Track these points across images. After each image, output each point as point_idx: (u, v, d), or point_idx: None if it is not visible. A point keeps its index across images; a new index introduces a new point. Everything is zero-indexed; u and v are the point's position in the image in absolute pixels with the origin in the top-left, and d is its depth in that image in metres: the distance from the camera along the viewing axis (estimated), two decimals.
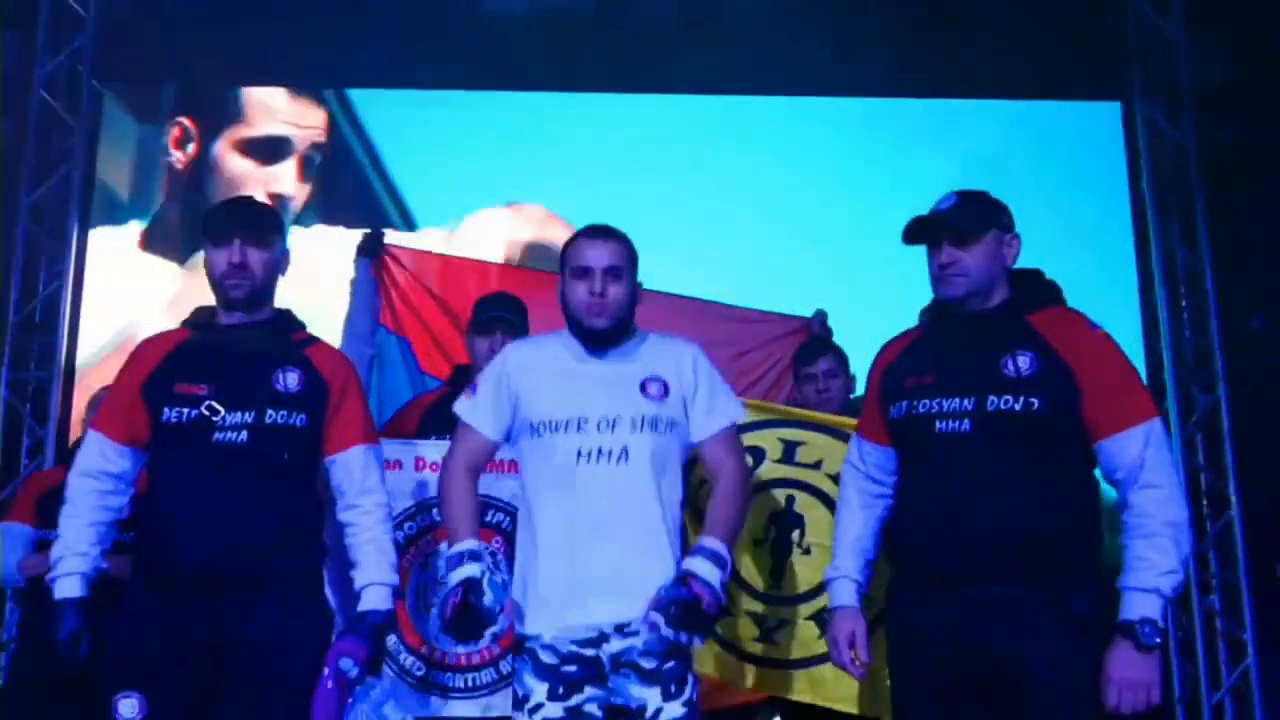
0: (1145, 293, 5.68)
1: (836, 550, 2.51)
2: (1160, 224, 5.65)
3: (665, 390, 2.41)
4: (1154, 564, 2.18)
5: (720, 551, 2.31)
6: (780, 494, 3.05)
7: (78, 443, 3.82)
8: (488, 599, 2.24)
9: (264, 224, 2.51)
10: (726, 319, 4.28)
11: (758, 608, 3.03)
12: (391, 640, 2.73)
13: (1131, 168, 5.78)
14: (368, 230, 3.92)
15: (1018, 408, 2.24)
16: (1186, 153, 5.63)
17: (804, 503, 3.03)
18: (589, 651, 2.30)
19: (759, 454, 3.06)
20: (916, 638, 2.31)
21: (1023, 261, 4.77)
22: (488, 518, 2.89)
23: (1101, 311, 5.67)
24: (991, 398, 2.27)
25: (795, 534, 3.05)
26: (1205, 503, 5.44)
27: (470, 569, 2.27)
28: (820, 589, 2.77)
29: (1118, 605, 2.20)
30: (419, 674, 2.83)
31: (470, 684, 2.85)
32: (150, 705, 2.31)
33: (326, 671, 2.35)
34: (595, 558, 2.30)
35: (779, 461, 3.05)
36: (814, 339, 3.78)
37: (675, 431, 2.41)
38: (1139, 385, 2.31)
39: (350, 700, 2.39)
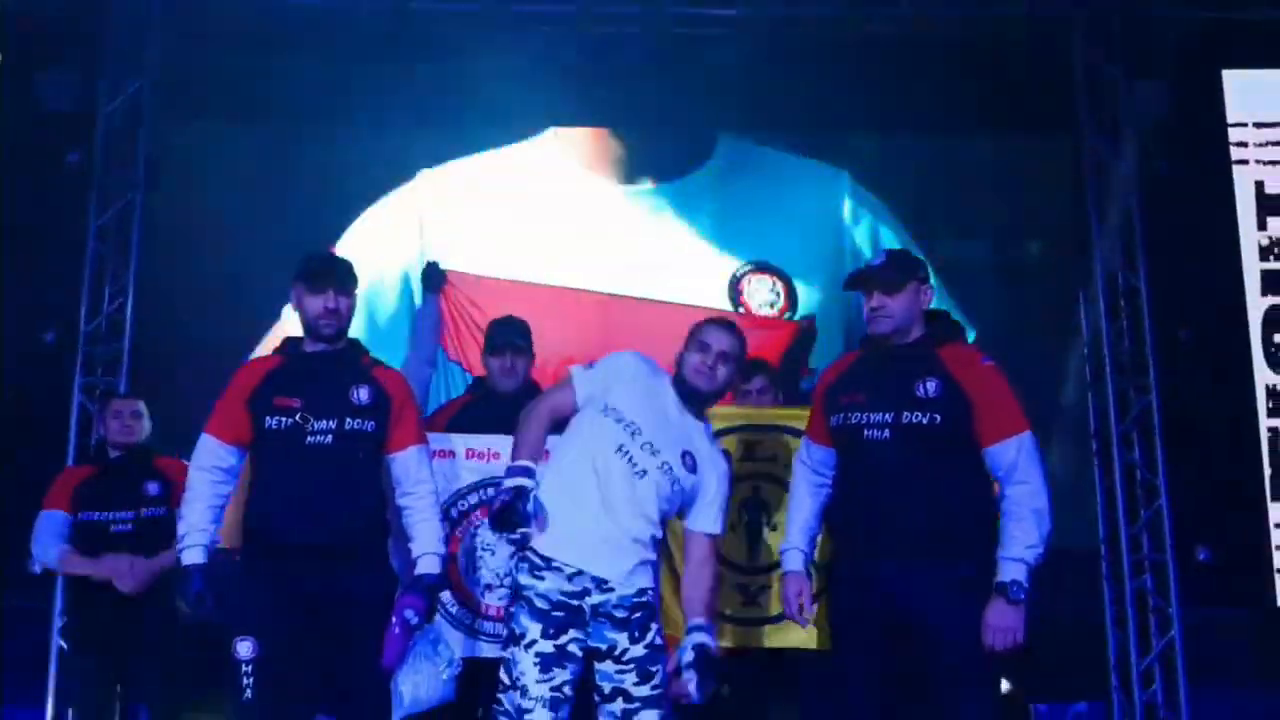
0: (1089, 306, 6.34)
1: (788, 528, 3.20)
2: (1103, 245, 6.32)
3: (694, 469, 3.02)
4: (1021, 540, 2.87)
5: (712, 626, 2.99)
6: (748, 485, 3.66)
7: (100, 441, 4.47)
8: (530, 505, 2.89)
9: (351, 278, 3.19)
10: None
11: (741, 579, 3.62)
12: (445, 595, 3.35)
13: (1077, 194, 6.42)
14: (429, 263, 4.53)
15: (925, 421, 2.93)
16: (1127, 182, 6.29)
17: (767, 490, 3.66)
18: (574, 602, 2.90)
19: (726, 455, 3.69)
20: (850, 594, 3.02)
21: (988, 275, 5.57)
22: None
23: (1050, 323, 6.40)
24: (906, 413, 2.95)
25: (763, 515, 3.68)
26: (1139, 493, 6.11)
27: (523, 480, 2.91)
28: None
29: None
30: (467, 622, 3.46)
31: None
32: (261, 645, 3.00)
33: (394, 620, 3.03)
34: (598, 527, 2.92)
35: (742, 459, 3.67)
36: (794, 358, 4.35)
37: (678, 497, 3.01)
38: (1016, 406, 2.99)
39: (412, 642, 3.08)
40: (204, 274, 6.23)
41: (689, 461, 3.02)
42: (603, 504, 2.93)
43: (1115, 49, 6.36)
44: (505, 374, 3.83)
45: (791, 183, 6.26)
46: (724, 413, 3.73)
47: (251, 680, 2.98)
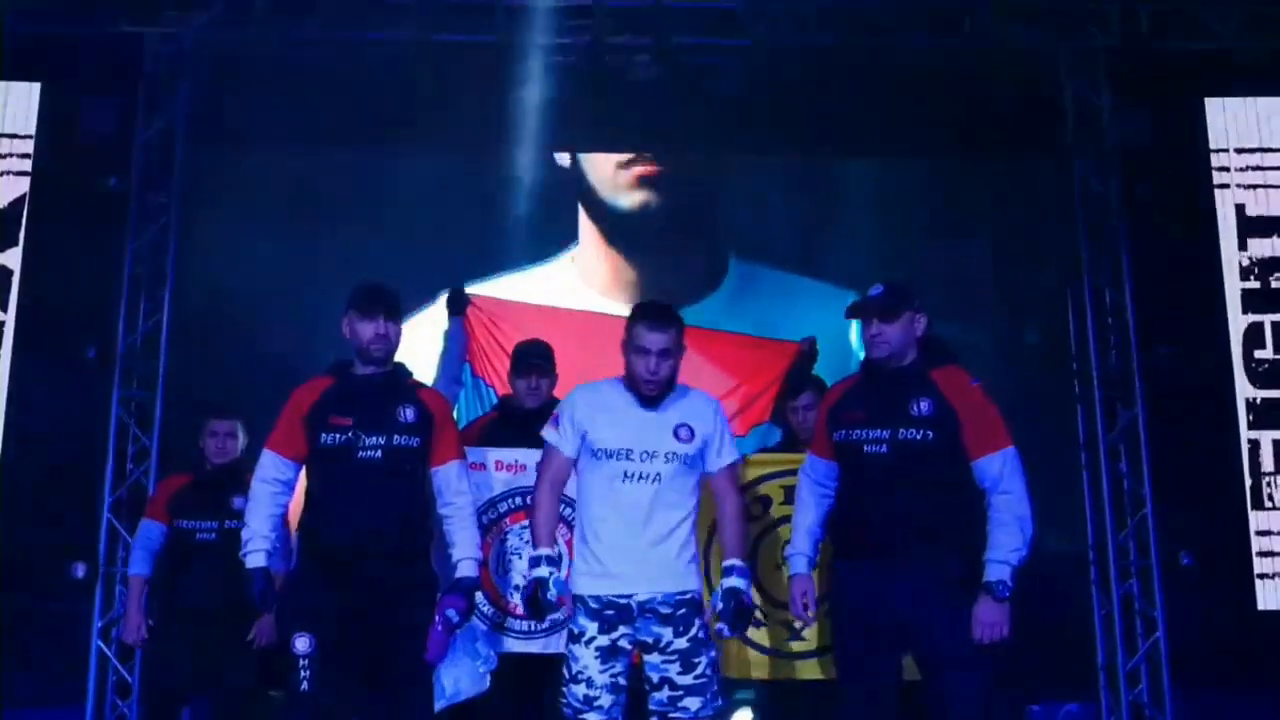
0: (1078, 323, 6.65)
1: (794, 534, 3.50)
2: (1091, 266, 6.64)
3: (692, 434, 3.29)
4: (1005, 544, 3.17)
5: (745, 567, 3.27)
6: (788, 529, 3.76)
7: (200, 453, 4.77)
8: (551, 594, 3.18)
9: (398, 306, 3.49)
10: (730, 345, 5.16)
11: (786, 616, 3.76)
12: (479, 597, 3.66)
13: (1067, 218, 6.74)
14: (454, 289, 4.85)
15: (919, 437, 3.24)
16: (1112, 205, 6.62)
17: None
18: (623, 600, 3.22)
19: (767, 501, 3.93)
20: (849, 593, 3.32)
21: (979, 294, 5.80)
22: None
23: (1040, 340, 6.66)
24: (902, 430, 3.26)
25: None
26: (1126, 502, 6.41)
27: (542, 571, 3.20)
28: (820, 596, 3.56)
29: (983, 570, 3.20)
30: (498, 621, 3.77)
31: (532, 629, 3.76)
32: (316, 641, 3.29)
33: (437, 618, 3.33)
34: (631, 549, 3.21)
35: (784, 503, 3.88)
36: (797, 378, 4.56)
37: (694, 465, 3.30)
38: (1001, 423, 3.29)
39: (453, 639, 3.39)
40: (236, 293, 6.56)
41: (684, 433, 3.29)
42: (638, 530, 3.22)
43: (1102, 78, 6.69)
44: (530, 393, 4.14)
45: (801, 304, 6.41)
46: (766, 459, 3.99)
47: (308, 673, 3.27)
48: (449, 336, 4.69)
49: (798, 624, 3.81)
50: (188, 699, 4.79)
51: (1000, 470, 3.22)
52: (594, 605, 3.24)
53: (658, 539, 3.24)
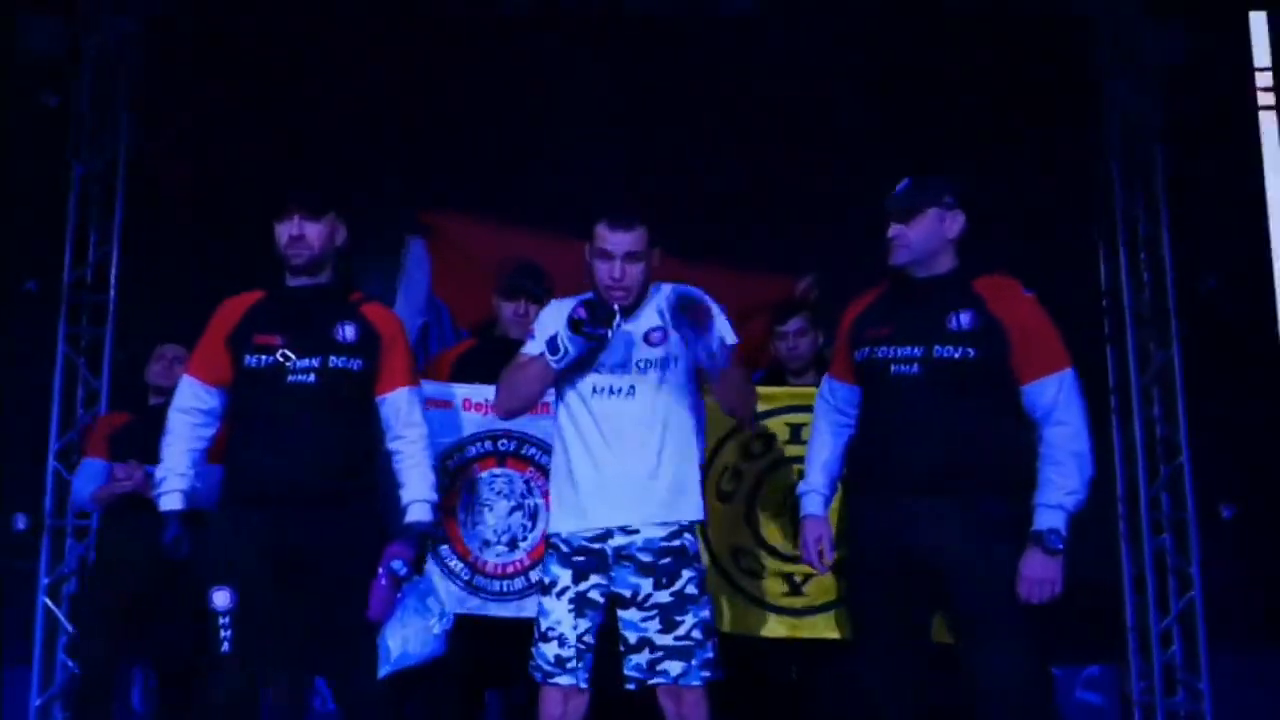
0: (1109, 257, 6.14)
1: (809, 468, 2.99)
2: (1124, 195, 6.10)
3: (665, 336, 2.84)
4: (1060, 485, 2.66)
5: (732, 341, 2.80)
6: (794, 468, 3.41)
7: (140, 391, 4.37)
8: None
9: (320, 201, 2.95)
10: (727, 281, 4.67)
11: (786, 568, 3.41)
12: (444, 549, 3.20)
13: (1097, 142, 6.18)
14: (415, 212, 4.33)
15: (958, 356, 2.73)
16: (1149, 126, 6.07)
17: None
18: (596, 546, 2.77)
19: (771, 439, 3.50)
20: (868, 538, 2.82)
21: (1006, 224, 5.24)
22: (524, 451, 3.36)
23: (1069, 275, 6.16)
24: (937, 347, 2.74)
25: None
26: (1160, 450, 5.92)
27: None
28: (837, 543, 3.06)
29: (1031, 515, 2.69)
30: (465, 578, 3.31)
31: (505, 589, 3.31)
32: (240, 597, 2.81)
33: (381, 571, 2.85)
34: (608, 476, 2.78)
35: (788, 442, 3.47)
36: (788, 301, 4.12)
37: (679, 365, 2.84)
38: (1057, 341, 2.78)
39: (400, 594, 2.89)
40: (193, 222, 6.06)
41: (656, 335, 2.86)
42: (614, 454, 2.80)
43: None
44: (517, 320, 3.64)
45: None
46: (767, 393, 3.52)
47: (229, 633, 2.80)
48: (409, 259, 4.17)
49: (799, 577, 3.33)
50: (122, 660, 4.42)
51: (1055, 398, 2.71)
52: (565, 550, 2.80)
53: (639, 462, 2.79)
